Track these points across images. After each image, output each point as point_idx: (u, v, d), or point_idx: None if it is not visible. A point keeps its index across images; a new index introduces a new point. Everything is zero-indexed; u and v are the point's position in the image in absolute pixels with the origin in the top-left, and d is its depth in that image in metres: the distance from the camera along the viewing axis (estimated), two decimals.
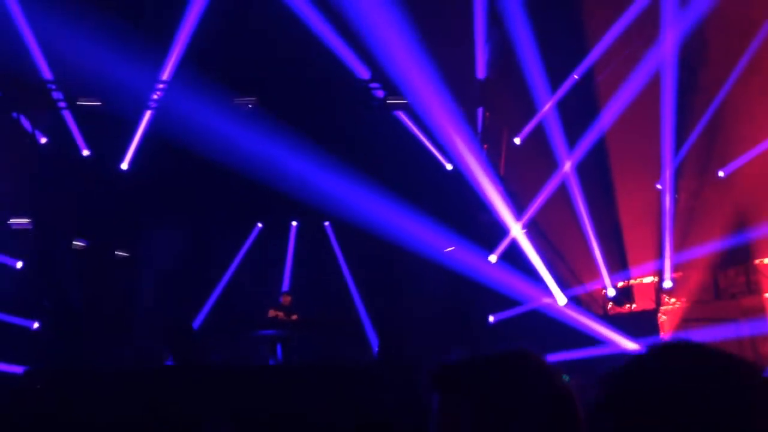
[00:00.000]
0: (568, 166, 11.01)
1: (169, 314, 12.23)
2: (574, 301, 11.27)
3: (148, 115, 11.56)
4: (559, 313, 11.04)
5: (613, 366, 1.25)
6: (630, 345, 9.98)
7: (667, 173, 10.53)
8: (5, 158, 11.19)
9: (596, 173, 11.13)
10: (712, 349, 1.22)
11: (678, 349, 1.23)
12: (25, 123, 11.44)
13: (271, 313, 11.18)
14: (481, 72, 11.52)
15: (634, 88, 10.47)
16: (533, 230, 11.36)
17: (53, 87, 11.21)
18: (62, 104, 11.46)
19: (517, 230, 11.12)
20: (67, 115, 11.79)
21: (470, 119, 11.69)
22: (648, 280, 11.23)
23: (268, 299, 11.67)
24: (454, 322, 11.55)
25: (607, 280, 11.07)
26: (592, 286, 11.31)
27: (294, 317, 11.20)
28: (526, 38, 10.62)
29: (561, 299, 11.32)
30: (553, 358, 9.97)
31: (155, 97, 11.31)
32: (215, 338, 12.03)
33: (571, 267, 11.36)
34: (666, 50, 9.96)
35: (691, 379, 1.17)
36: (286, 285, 13.09)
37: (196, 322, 12.46)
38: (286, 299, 11.47)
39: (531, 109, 11.24)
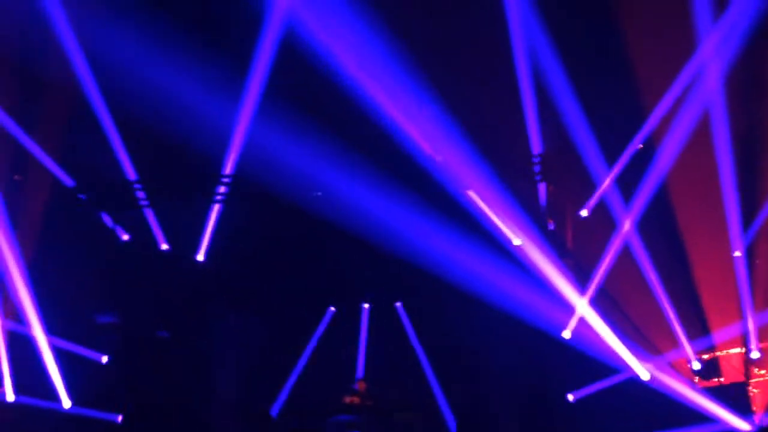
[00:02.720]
0: (627, 225, 10.88)
1: (246, 402, 12.39)
2: (658, 375, 10.93)
3: (216, 208, 12.02)
4: (646, 387, 10.74)
5: None
6: (742, 424, 9.53)
7: (741, 237, 10.29)
8: (89, 255, 11.76)
9: (666, 239, 10.95)
10: None
11: None
12: (108, 221, 12.02)
13: (347, 399, 11.23)
14: (536, 147, 11.61)
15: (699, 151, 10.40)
16: (603, 302, 11.16)
17: (137, 186, 11.82)
18: (144, 202, 12.06)
19: (583, 305, 10.97)
20: (149, 212, 12.36)
21: (533, 195, 11.76)
22: (734, 350, 10.83)
23: (343, 384, 11.72)
24: (532, 401, 11.32)
25: (689, 352, 10.72)
26: (674, 358, 10.95)
27: (369, 404, 11.20)
28: (578, 110, 10.73)
29: (643, 374, 10.99)
30: None
31: (222, 190, 11.80)
32: (293, 425, 12.08)
33: (649, 338, 11.04)
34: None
35: None
36: (360, 369, 13.11)
37: (274, 410, 12.53)
38: (361, 385, 11.53)
39: (593, 180, 11.23)
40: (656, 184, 10.82)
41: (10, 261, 10.61)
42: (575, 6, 10.73)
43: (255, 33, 11.00)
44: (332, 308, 13.63)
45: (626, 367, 10.75)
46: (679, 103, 10.53)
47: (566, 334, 11.35)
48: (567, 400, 11.28)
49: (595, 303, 11.06)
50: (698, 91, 10.31)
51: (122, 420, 11.01)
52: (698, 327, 10.81)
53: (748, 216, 10.53)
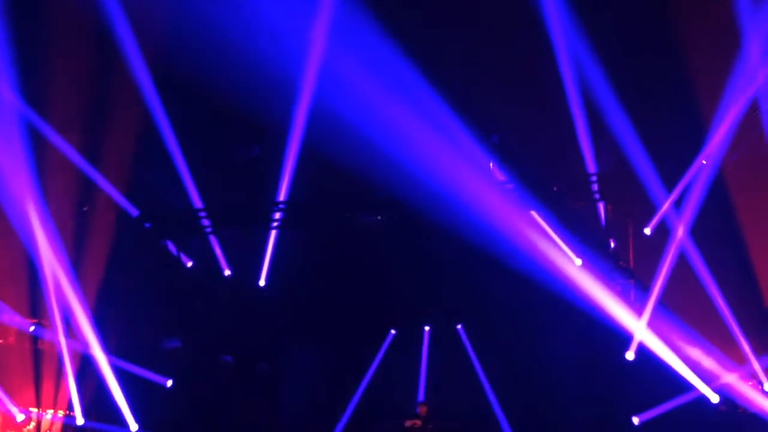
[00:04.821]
0: (681, 231, 10.58)
1: (310, 425, 12.48)
2: (727, 396, 10.53)
3: (273, 234, 12.25)
4: (715, 408, 10.37)
5: None
6: None
7: None
8: (155, 282, 12.13)
9: (731, 257, 10.60)
10: None
11: None
12: (172, 248, 12.39)
13: (408, 423, 11.22)
14: (592, 166, 11.44)
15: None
16: (664, 322, 10.83)
17: (203, 215, 12.18)
18: (208, 230, 12.40)
19: (642, 327, 10.69)
20: (213, 239, 12.68)
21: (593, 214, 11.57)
22: None
23: (404, 409, 11.68)
24: (595, 424, 11.04)
25: (760, 374, 10.28)
26: (743, 380, 10.52)
27: (430, 427, 11.17)
28: (634, 127, 10.55)
29: (712, 396, 10.61)
30: None
31: (277, 216, 12.02)
32: None
33: (716, 360, 10.63)
34: None
35: None
36: (421, 393, 13.04)
37: None
38: (422, 409, 11.50)
39: (653, 199, 10.98)
40: (717, 199, 10.51)
41: (75, 289, 11.02)
42: (628, 25, 10.63)
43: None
44: (393, 331, 13.63)
45: (694, 389, 10.40)
46: (736, 117, 10.27)
47: (629, 356, 11.07)
48: (632, 424, 10.97)
49: (655, 324, 10.75)
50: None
51: None
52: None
53: None
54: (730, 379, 10.46)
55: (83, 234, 11.48)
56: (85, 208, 11.67)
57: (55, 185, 11.34)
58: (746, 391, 10.54)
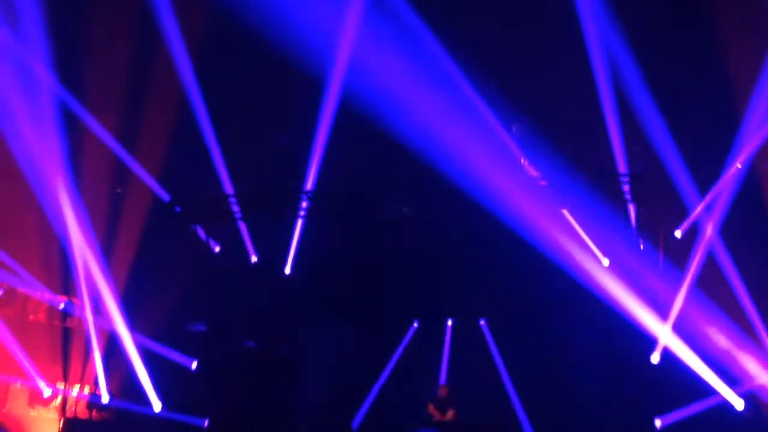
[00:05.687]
0: (709, 230, 10.46)
1: (329, 415, 12.56)
2: (752, 402, 10.41)
3: (300, 223, 12.32)
4: (738, 414, 10.27)
5: None
6: None
7: None
8: (184, 266, 12.27)
9: (762, 261, 10.47)
10: None
11: None
12: (201, 233, 12.51)
13: (430, 407, 11.31)
14: (623, 167, 11.34)
15: None
16: (691, 325, 10.72)
17: (233, 200, 12.28)
18: (238, 216, 12.50)
19: (667, 331, 10.60)
20: (241, 225, 12.78)
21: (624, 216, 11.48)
22: None
23: (423, 400, 11.72)
24: (617, 425, 10.98)
25: None
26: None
27: (450, 412, 11.23)
28: (668, 127, 10.44)
29: (737, 403, 10.49)
30: None
31: (303, 205, 12.09)
32: None
33: (743, 366, 10.51)
34: None
35: None
36: (442, 382, 13.06)
37: (355, 422, 12.65)
38: (442, 391, 11.57)
39: (687, 201, 10.87)
40: (750, 203, 10.38)
41: (105, 269, 11.18)
42: (665, 23, 10.50)
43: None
44: (416, 323, 13.65)
45: (717, 394, 10.30)
46: None
47: (655, 358, 10.98)
48: (654, 426, 10.88)
49: (680, 328, 10.66)
50: None
51: (208, 425, 11.38)
52: None
53: None
54: (757, 382, 10.33)
55: (116, 216, 11.64)
56: (119, 191, 11.82)
57: (89, 167, 11.50)
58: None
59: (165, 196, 12.06)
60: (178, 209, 12.15)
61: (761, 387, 10.35)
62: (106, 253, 11.36)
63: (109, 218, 11.59)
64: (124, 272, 11.49)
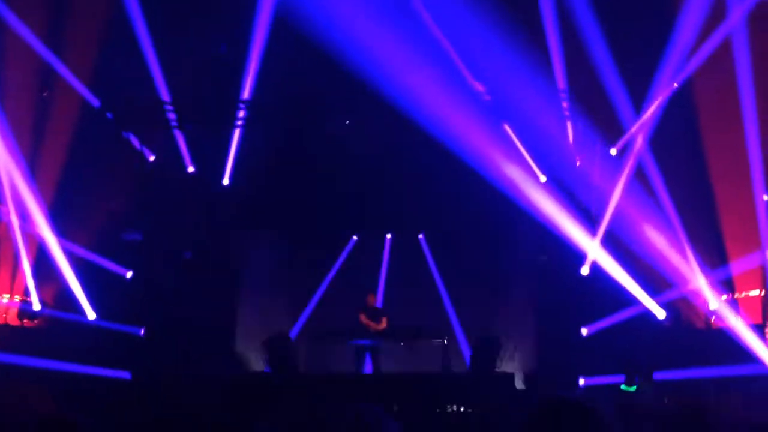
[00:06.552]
0: (640, 141, 10.70)
1: (267, 325, 12.67)
2: (673, 313, 10.92)
3: (237, 133, 12.10)
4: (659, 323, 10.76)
5: None
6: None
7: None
8: (117, 175, 11.96)
9: (693, 180, 10.78)
10: None
11: None
12: (135, 141, 12.16)
13: (363, 318, 11.52)
14: (561, 82, 11.40)
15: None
16: (618, 239, 11.08)
17: (168, 108, 11.91)
18: (173, 124, 12.16)
19: (596, 246, 10.93)
20: (177, 134, 12.45)
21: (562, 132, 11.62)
22: (754, 293, 10.72)
23: (358, 306, 11.94)
24: (546, 335, 11.40)
25: (708, 293, 10.62)
26: (691, 298, 10.88)
27: (383, 320, 11.46)
28: (604, 48, 10.49)
29: (659, 313, 10.98)
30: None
31: (240, 114, 11.85)
32: (310, 348, 12.37)
33: (666, 277, 10.94)
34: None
35: None
36: (380, 297, 13.28)
37: (293, 332, 12.81)
38: (371, 299, 11.79)
39: (625, 119, 11.04)
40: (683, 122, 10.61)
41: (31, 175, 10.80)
42: None
43: None
44: (355, 237, 13.73)
45: (640, 304, 10.75)
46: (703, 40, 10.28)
47: (584, 270, 11.35)
48: (581, 334, 11.36)
49: (608, 242, 11.00)
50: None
51: (144, 334, 11.37)
52: (717, 262, 10.68)
53: None
54: (680, 292, 10.78)
55: (43, 121, 11.17)
56: (45, 94, 11.32)
57: (12, 69, 10.92)
58: (692, 307, 10.93)
59: (95, 102, 11.61)
60: (109, 115, 11.74)
61: (683, 296, 10.83)
62: (33, 158, 10.96)
63: (36, 124, 11.11)
64: (53, 178, 11.13)
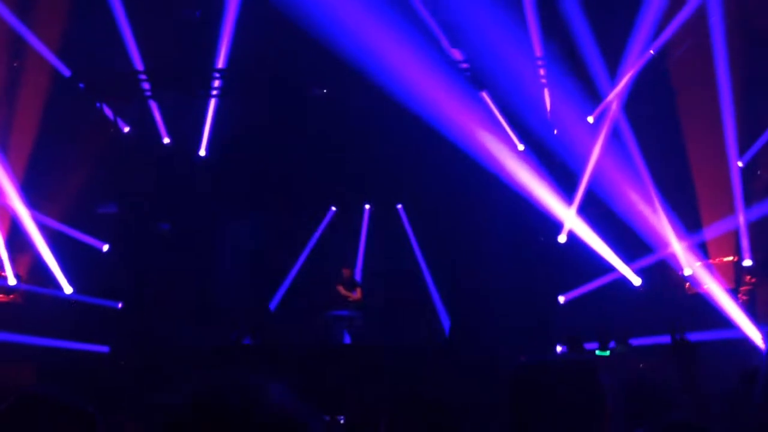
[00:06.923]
0: (614, 104, 10.73)
1: (246, 296, 12.65)
2: (649, 279, 11.06)
3: (213, 103, 11.94)
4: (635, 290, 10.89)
5: None
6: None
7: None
8: (91, 146, 11.76)
9: (668, 146, 10.87)
10: None
11: None
12: (108, 112, 11.96)
13: (341, 289, 11.51)
14: (539, 51, 11.36)
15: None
16: (596, 207, 11.16)
17: (143, 77, 11.70)
18: (148, 93, 11.96)
19: (572, 214, 11.01)
20: (152, 105, 12.26)
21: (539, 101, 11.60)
22: (728, 258, 10.89)
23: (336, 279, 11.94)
24: (525, 303, 11.50)
25: (683, 259, 10.75)
26: (667, 265, 11.01)
27: (358, 290, 11.47)
28: (580, 14, 10.48)
29: (635, 280, 11.11)
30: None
31: (216, 84, 11.69)
32: (289, 319, 12.38)
33: (642, 244, 11.05)
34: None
35: None
36: (359, 268, 13.30)
37: (272, 304, 12.81)
38: (347, 272, 11.77)
39: (601, 86, 11.06)
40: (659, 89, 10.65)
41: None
42: None
43: None
44: (333, 208, 13.69)
45: (616, 271, 10.87)
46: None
47: (561, 239, 11.43)
48: (558, 301, 11.47)
49: (585, 210, 11.07)
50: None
51: (122, 308, 11.29)
52: (692, 227, 10.80)
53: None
54: (655, 256, 10.90)
55: (13, 92, 10.92)
56: (15, 64, 11.06)
57: None
58: (669, 272, 11.07)
59: (66, 72, 11.36)
60: (81, 85, 11.52)
61: (658, 260, 10.95)
62: (4, 130, 10.74)
63: (5, 94, 10.86)
64: (25, 150, 10.92)
